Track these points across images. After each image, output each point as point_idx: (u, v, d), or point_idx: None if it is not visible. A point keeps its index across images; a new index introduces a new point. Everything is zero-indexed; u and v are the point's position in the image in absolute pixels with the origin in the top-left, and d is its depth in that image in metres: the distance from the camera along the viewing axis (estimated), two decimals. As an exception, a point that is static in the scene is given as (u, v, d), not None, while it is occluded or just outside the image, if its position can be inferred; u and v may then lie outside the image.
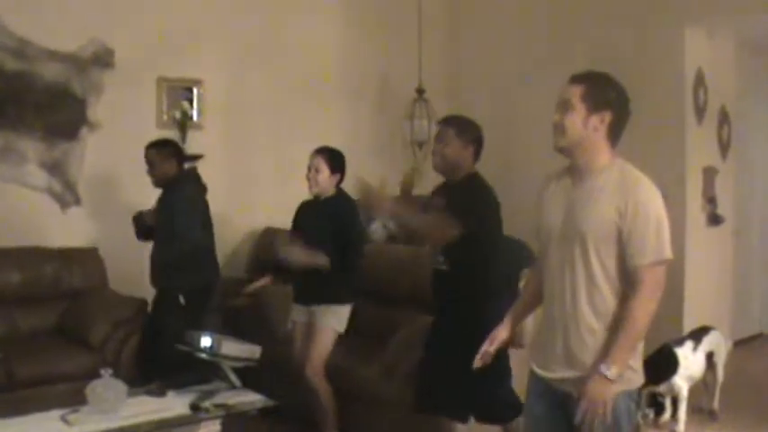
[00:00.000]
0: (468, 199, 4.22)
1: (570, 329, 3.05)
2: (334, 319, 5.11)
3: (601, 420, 2.95)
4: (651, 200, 2.97)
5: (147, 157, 5.45)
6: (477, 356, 3.44)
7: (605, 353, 2.95)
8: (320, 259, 4.98)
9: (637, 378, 3.10)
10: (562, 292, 3.08)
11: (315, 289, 5.12)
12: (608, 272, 2.99)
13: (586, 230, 2.99)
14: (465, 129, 4.40)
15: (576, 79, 3.10)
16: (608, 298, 2.99)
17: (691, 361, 5.53)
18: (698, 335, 5.74)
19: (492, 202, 4.34)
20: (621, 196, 2.95)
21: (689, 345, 5.59)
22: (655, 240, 2.93)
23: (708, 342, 5.72)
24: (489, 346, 3.42)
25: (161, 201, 5.44)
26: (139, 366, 5.38)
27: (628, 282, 2.95)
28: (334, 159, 5.16)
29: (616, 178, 3.01)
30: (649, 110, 5.99)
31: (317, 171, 5.11)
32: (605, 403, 2.94)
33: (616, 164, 3.06)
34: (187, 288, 5.27)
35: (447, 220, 4.07)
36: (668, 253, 2.95)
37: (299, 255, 5.04)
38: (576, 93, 3.05)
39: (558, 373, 3.11)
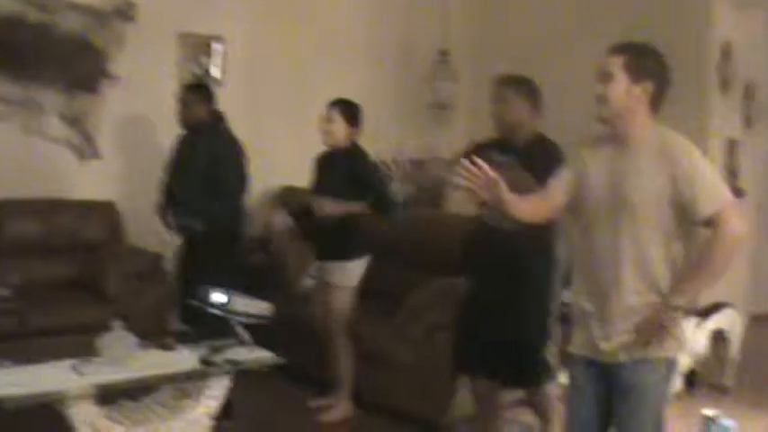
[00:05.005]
0: (550, 163, 3.79)
1: (615, 297, 3.11)
2: (346, 275, 5.12)
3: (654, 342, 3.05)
4: (697, 153, 3.07)
5: (181, 97, 5.45)
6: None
7: (675, 285, 3.04)
8: (355, 206, 4.98)
9: (679, 348, 3.18)
10: (608, 262, 3.12)
11: (329, 245, 5.14)
12: (660, 239, 3.05)
13: (637, 202, 3.04)
14: (521, 84, 4.34)
15: (616, 50, 3.12)
16: (658, 265, 3.07)
17: (691, 337, 5.43)
18: (707, 312, 5.69)
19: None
20: (670, 161, 3.02)
21: (692, 322, 5.52)
22: (720, 185, 3.07)
23: (716, 320, 5.69)
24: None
25: (192, 142, 5.38)
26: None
27: (708, 231, 3.02)
28: (350, 111, 5.13)
29: (658, 145, 3.06)
30: (674, 80, 5.94)
31: (330, 121, 5.08)
32: (663, 327, 3.03)
33: (655, 131, 3.11)
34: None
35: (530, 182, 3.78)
36: (730, 194, 3.09)
37: (331, 206, 4.99)
38: (617, 63, 3.08)
39: (602, 344, 3.16)
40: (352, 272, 5.14)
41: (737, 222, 3.00)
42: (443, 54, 7.58)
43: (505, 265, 4.28)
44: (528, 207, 3.32)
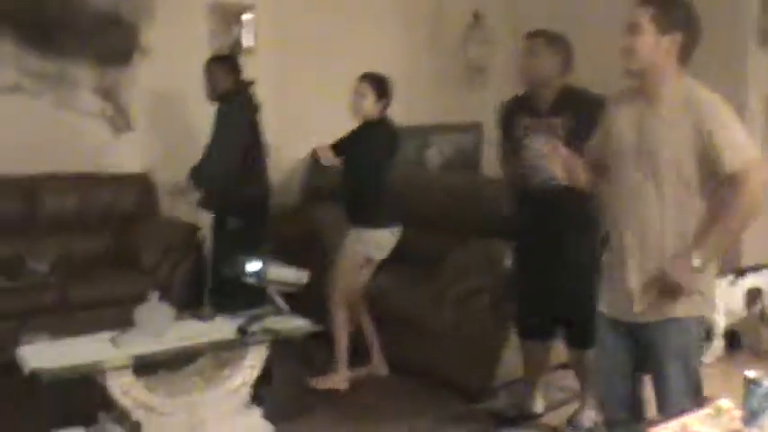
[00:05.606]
0: (595, 111, 3.78)
1: (649, 255, 3.06)
2: (361, 244, 5.07)
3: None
4: (724, 107, 3.00)
5: (207, 68, 5.50)
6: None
7: (694, 242, 2.98)
8: (334, 159, 5.06)
9: (706, 306, 3.13)
10: (638, 218, 3.08)
11: (349, 211, 5.15)
12: (688, 192, 3.00)
13: (665, 155, 2.98)
14: (553, 39, 4.31)
15: (643, 1, 3.05)
16: (686, 222, 3.01)
17: (726, 294, 5.35)
18: (745, 270, 5.58)
19: None
20: (696, 115, 2.95)
21: (727, 278, 5.43)
22: (747, 141, 2.97)
23: (753, 277, 5.57)
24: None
25: (218, 111, 5.40)
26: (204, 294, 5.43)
27: (728, 189, 2.96)
28: (380, 85, 5.07)
29: (684, 98, 3.00)
30: (707, 33, 5.81)
31: (362, 96, 5.04)
32: (681, 288, 2.97)
33: (683, 84, 3.04)
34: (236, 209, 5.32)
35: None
36: (757, 151, 3.00)
37: (328, 157, 5.10)
38: (644, 15, 3.01)
39: (631, 305, 3.11)
40: (369, 241, 5.06)
41: (761, 182, 2.92)
42: (476, 17, 7.48)
43: (559, 221, 4.25)
44: (585, 175, 3.36)
